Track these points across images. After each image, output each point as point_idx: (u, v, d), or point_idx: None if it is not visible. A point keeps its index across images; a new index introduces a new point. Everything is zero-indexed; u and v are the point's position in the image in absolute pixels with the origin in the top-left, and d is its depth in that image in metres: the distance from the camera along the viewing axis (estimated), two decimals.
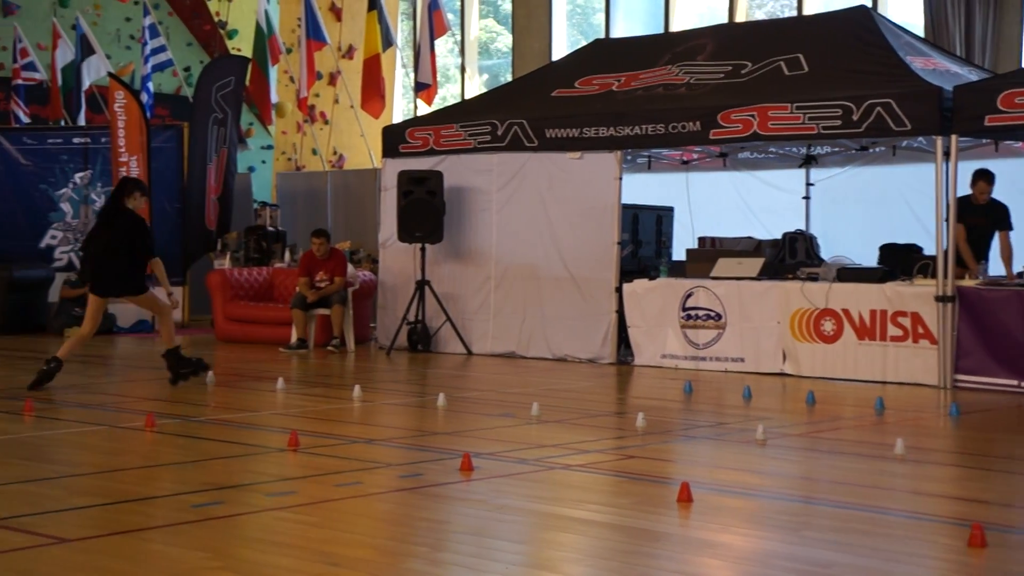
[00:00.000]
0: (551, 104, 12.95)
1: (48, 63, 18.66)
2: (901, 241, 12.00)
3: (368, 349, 13.75)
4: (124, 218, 9.94)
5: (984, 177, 11.11)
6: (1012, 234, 11.17)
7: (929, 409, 9.34)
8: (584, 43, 16.23)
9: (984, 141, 11.59)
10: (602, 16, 20.23)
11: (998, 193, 11.25)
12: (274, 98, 18.95)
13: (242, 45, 20.45)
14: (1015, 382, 9.94)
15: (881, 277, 10.86)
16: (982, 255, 11.13)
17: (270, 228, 16.60)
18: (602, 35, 19.43)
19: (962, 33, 15.32)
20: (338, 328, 13.33)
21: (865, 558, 4.75)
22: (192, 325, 16.31)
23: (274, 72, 18.95)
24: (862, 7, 12.92)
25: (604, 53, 13.88)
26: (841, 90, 10.87)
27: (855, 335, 10.73)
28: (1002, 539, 4.95)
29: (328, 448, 7.09)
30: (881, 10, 15.84)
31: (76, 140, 17.18)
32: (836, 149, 13.36)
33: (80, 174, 17.03)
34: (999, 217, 11.19)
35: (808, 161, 13.77)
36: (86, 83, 18.23)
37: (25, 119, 18.32)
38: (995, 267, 10.93)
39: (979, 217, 11.11)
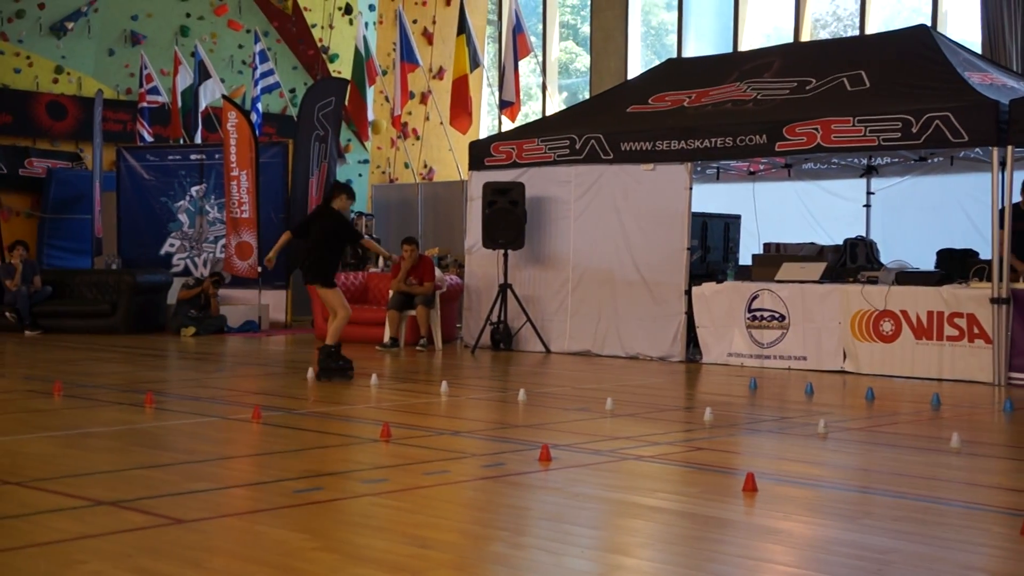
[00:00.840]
0: (626, 119, 12.90)
1: (169, 87, 19.08)
2: (958, 247, 11.73)
3: (455, 348, 13.82)
4: (328, 218, 10.27)
5: None
6: None
7: (984, 405, 9.12)
8: (657, 62, 16.14)
9: None
10: (674, 37, 20.09)
11: None
12: (370, 116, 19.14)
13: (342, 68, 20.71)
14: None
15: (938, 280, 10.64)
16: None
17: (366, 236, 16.76)
18: (674, 55, 19.30)
19: (1019, 49, 14.94)
20: (425, 328, 13.42)
21: (921, 545, 4.65)
22: (294, 325, 16.54)
23: (371, 92, 19.15)
24: (922, 26, 12.68)
25: (676, 71, 13.79)
26: (901, 104, 10.68)
27: (913, 335, 10.52)
28: None
29: (417, 439, 7.14)
30: (940, 28, 15.52)
31: (193, 157, 17.55)
32: (896, 160, 13.11)
33: (196, 187, 17.39)
34: None
35: (869, 171, 13.54)
36: (202, 105, 18.59)
37: (148, 138, 18.75)
38: None
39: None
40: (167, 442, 7.11)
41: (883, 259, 12.50)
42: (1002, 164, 10.16)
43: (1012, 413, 8.49)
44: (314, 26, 20.91)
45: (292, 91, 20.71)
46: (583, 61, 22.63)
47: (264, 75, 18.49)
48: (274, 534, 4.65)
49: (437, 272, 14.00)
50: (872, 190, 13.72)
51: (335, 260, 10.46)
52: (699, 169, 13.14)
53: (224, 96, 17.54)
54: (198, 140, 18.55)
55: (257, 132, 17.08)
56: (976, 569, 4.37)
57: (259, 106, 18.78)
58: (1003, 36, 15.05)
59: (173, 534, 4.63)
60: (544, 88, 22.02)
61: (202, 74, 18.47)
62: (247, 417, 7.78)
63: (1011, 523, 4.86)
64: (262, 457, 6.64)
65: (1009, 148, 10.08)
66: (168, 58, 19.39)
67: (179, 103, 18.92)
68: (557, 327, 13.09)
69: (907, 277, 10.87)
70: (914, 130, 10.46)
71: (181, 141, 18.91)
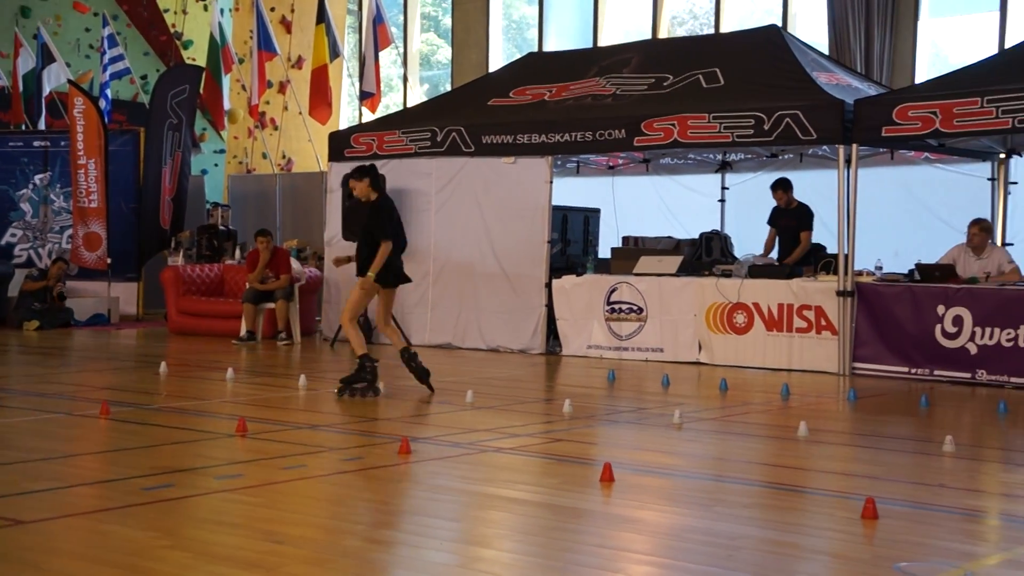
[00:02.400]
0: (487, 112, 12.93)
1: (10, 70, 18.26)
2: None
3: (313, 341, 13.65)
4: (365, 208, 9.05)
5: (781, 184, 11.86)
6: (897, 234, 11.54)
7: (830, 394, 9.49)
8: (519, 56, 16.23)
9: (881, 150, 11.79)
10: (535, 31, 20.24)
11: (896, 197, 11.48)
12: (226, 105, 18.73)
13: (196, 55, 20.17)
14: (906, 369, 10.13)
15: (788, 273, 11.01)
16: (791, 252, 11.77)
17: (222, 227, 16.40)
18: (535, 49, 19.45)
19: (862, 51, 15.57)
20: (283, 322, 13.22)
21: (770, 531, 4.81)
22: (146, 318, 16.08)
23: (227, 81, 18.73)
24: (773, 26, 13.10)
25: (537, 65, 13.90)
26: (754, 102, 10.99)
27: (764, 327, 10.86)
28: (892, 511, 5.04)
29: (274, 434, 7.03)
30: (790, 29, 16.03)
31: (36, 143, 16.86)
32: (749, 156, 13.50)
33: (40, 176, 16.71)
34: (802, 219, 11.84)
35: (723, 167, 13.91)
36: (46, 90, 17.88)
37: None
38: (890, 264, 11.12)
39: (788, 220, 11.85)
40: (7, 440, 6.81)
41: (737, 253, 12.86)
42: (847, 162, 10.57)
43: (855, 402, 8.86)
44: (166, 11, 20.30)
45: (144, 78, 20.07)
46: (444, 53, 22.61)
47: (113, 60, 17.87)
48: (122, 533, 4.51)
49: (295, 264, 13.80)
50: (726, 185, 14.10)
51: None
52: (559, 163, 13.28)
53: (70, 81, 16.91)
54: (42, 126, 17.83)
55: (106, 119, 16.52)
56: (821, 552, 4.54)
57: (108, 92, 18.13)
58: (848, 38, 15.65)
59: (11, 536, 4.45)
60: (405, 80, 21.91)
61: (46, 58, 17.75)
62: (95, 413, 7.52)
63: (853, 507, 5.06)
64: (110, 454, 6.44)
65: (854, 146, 10.49)
66: (8, 40, 18.53)
67: (20, 87, 18.13)
68: (418, 319, 13.06)
69: (759, 270, 11.22)
70: (766, 127, 10.80)
71: (23, 127, 18.13)
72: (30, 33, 18.38)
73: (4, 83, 18.17)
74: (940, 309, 9.97)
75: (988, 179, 12.29)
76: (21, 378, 10.06)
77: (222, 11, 19.30)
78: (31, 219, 16.64)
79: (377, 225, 8.87)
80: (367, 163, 9.39)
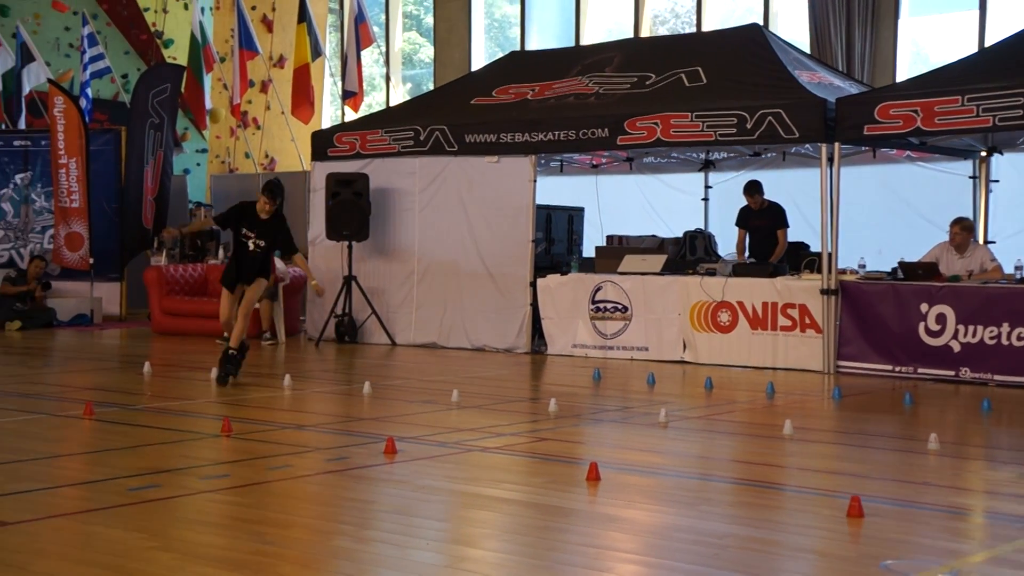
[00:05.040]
0: (470, 112, 12.93)
1: None
2: (790, 239, 12.20)
3: (298, 341, 13.62)
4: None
5: (756, 188, 11.98)
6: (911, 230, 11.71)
7: (814, 393, 9.53)
8: (501, 55, 16.24)
9: (863, 148, 11.85)
10: (518, 30, 20.25)
11: (879, 196, 11.54)
12: (208, 104, 18.65)
13: (177, 54, 20.09)
14: (890, 367, 10.18)
15: (772, 272, 11.05)
16: (770, 252, 11.80)
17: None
18: (518, 48, 19.46)
19: (843, 50, 15.63)
20: (268, 322, 13.19)
21: (756, 529, 4.83)
22: (129, 319, 16.01)
23: (208, 80, 18.65)
24: (754, 25, 13.14)
25: (519, 64, 13.90)
26: (736, 100, 11.03)
27: (748, 325, 10.90)
28: (877, 509, 5.07)
29: (260, 434, 7.02)
30: (771, 27, 16.08)
31: (16, 143, 16.76)
32: (732, 154, 13.54)
33: (21, 175, 16.61)
34: (777, 218, 11.93)
35: (707, 165, 13.95)
36: (26, 89, 17.78)
37: None
38: (873, 263, 11.18)
39: (761, 220, 11.93)
40: None
41: (720, 251, 12.91)
42: (830, 160, 10.62)
43: (840, 400, 8.90)
44: (147, 10, 20.21)
45: (124, 77, 19.98)
46: (427, 52, 22.58)
47: (93, 59, 17.78)
48: (108, 534, 4.50)
49: (279, 264, 13.75)
50: (710, 184, 14.14)
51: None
52: (543, 162, 13.29)
53: (50, 80, 16.81)
54: (22, 125, 17.72)
55: (87, 118, 16.44)
56: (807, 551, 4.56)
57: (88, 91, 18.05)
58: (829, 36, 15.72)
59: None
60: (387, 79, 21.88)
61: (25, 57, 17.65)
62: (79, 414, 7.49)
63: (839, 505, 5.09)
64: (95, 455, 6.42)
65: (836, 145, 10.53)
66: None
67: (0, 87, 18.03)
68: (403, 319, 13.05)
69: (743, 269, 11.25)
70: (749, 126, 10.83)
71: (3, 126, 18.03)
72: (9, 32, 18.27)
73: None
74: (924, 307, 10.02)
75: (970, 177, 12.35)
76: (4, 379, 10.00)
77: (203, 10, 19.23)
78: (12, 219, 16.55)
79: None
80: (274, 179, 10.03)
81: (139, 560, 4.13)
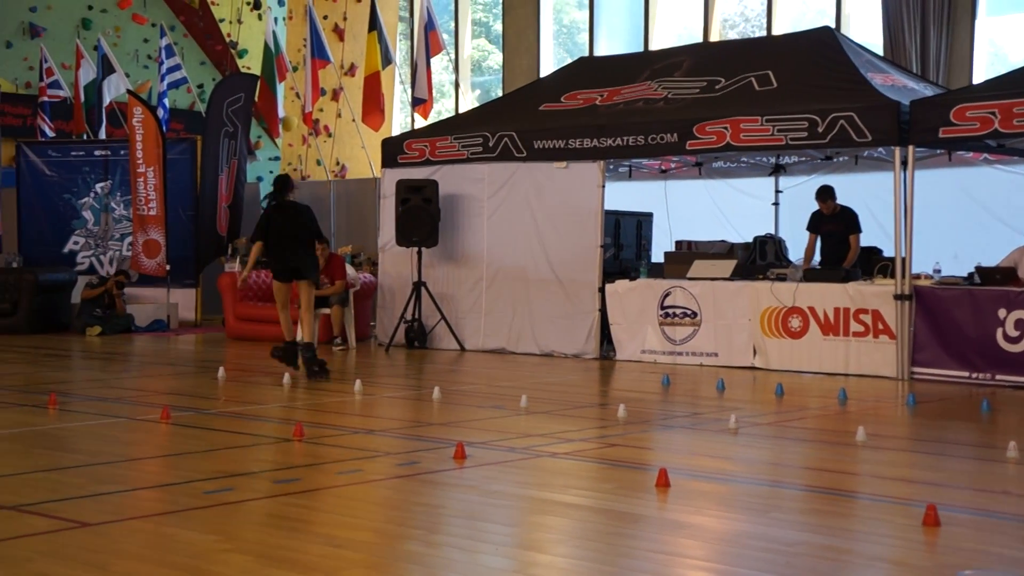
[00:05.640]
0: (539, 117, 12.94)
1: (71, 81, 18.61)
2: (863, 244, 12.03)
3: (368, 346, 13.73)
4: (297, 208, 10.20)
5: (828, 193, 11.72)
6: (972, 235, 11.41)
7: (888, 399, 9.36)
8: (570, 61, 16.23)
9: (938, 151, 11.63)
10: (586, 35, 20.23)
11: (955, 199, 11.31)
12: (281, 113, 18.92)
13: (251, 64, 20.42)
14: (966, 374, 9.97)
15: (844, 277, 10.89)
16: (842, 258, 11.56)
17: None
18: (586, 53, 19.43)
19: (918, 51, 15.36)
20: (338, 327, 13.31)
21: (828, 537, 4.76)
22: (204, 324, 16.28)
23: (281, 89, 18.92)
24: (826, 28, 12.96)
25: (588, 70, 13.88)
26: (807, 104, 10.89)
27: (820, 331, 10.75)
28: (954, 518, 4.96)
29: (331, 438, 7.08)
30: (843, 30, 15.88)
31: (97, 152, 17.15)
32: (803, 159, 13.38)
33: (101, 184, 17.00)
34: (849, 222, 11.69)
35: (777, 170, 13.79)
36: (107, 100, 18.18)
37: (50, 133, 18.27)
38: (948, 268, 10.96)
39: (833, 225, 11.70)
40: (71, 444, 6.94)
41: (791, 256, 12.75)
42: (903, 163, 10.44)
43: (915, 407, 8.74)
44: (222, 21, 20.58)
45: (200, 87, 20.36)
46: (496, 59, 22.66)
47: (171, 70, 18.15)
48: (183, 536, 4.57)
49: (350, 270, 13.89)
50: (780, 188, 13.98)
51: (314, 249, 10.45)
52: (611, 167, 13.25)
53: (129, 91, 17.17)
54: (102, 136, 18.13)
55: (164, 128, 16.76)
56: (881, 560, 4.48)
57: (166, 102, 18.43)
58: (903, 38, 15.46)
59: (77, 538, 4.53)
60: (457, 86, 22.00)
61: (105, 68, 18.06)
62: (155, 418, 7.63)
63: (914, 514, 4.99)
64: (171, 458, 6.52)
65: (910, 148, 10.35)
66: (70, 51, 18.89)
67: (82, 97, 18.47)
68: (471, 325, 13.09)
69: (814, 274, 11.11)
70: (820, 130, 10.69)
71: (85, 136, 18.46)
72: (91, 45, 18.72)
73: (67, 94, 18.52)
74: (1001, 313, 9.80)
75: None
76: (84, 383, 10.24)
77: (276, 20, 19.53)
78: (93, 227, 16.93)
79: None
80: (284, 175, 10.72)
81: (213, 562, 4.19)
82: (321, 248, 13.50)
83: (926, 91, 11.63)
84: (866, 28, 16.60)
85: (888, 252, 11.27)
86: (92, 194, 16.97)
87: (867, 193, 12.36)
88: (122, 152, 16.59)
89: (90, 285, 15.39)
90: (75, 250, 16.87)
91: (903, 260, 10.35)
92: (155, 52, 19.33)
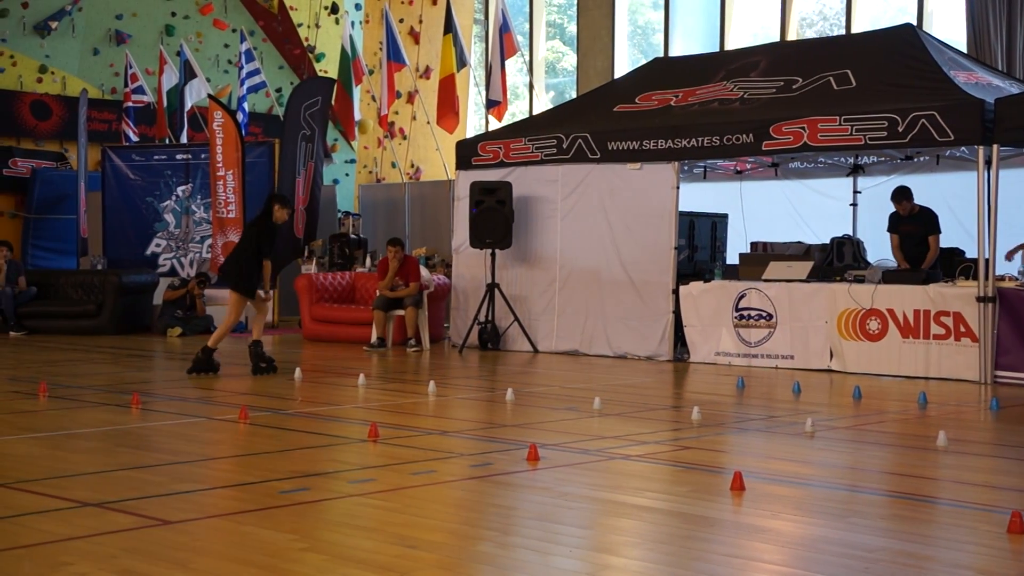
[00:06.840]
0: (613, 119, 12.90)
1: (155, 87, 19.01)
2: (944, 245, 11.79)
3: (442, 347, 13.80)
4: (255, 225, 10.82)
5: (904, 194, 11.47)
6: None
7: (970, 403, 9.15)
8: (644, 61, 16.15)
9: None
10: (661, 36, 20.12)
11: None
12: (357, 116, 19.10)
13: (328, 67, 20.67)
14: None
15: (924, 279, 10.67)
16: (921, 259, 11.33)
17: (352, 236, 16.74)
18: (661, 54, 19.32)
19: (1003, 48, 15.00)
20: (413, 328, 13.39)
21: (908, 543, 4.66)
22: (282, 325, 16.50)
23: (357, 92, 19.12)
24: (907, 25, 12.73)
25: (663, 70, 13.80)
26: (887, 103, 10.70)
27: (899, 334, 10.55)
28: None
29: (405, 439, 7.13)
30: (925, 27, 15.57)
31: (179, 156, 17.49)
32: (882, 158, 13.16)
33: (182, 187, 17.33)
34: (928, 223, 11.44)
35: (855, 170, 13.57)
36: (188, 104, 18.53)
37: (134, 138, 18.68)
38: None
39: (911, 226, 11.44)
40: (153, 443, 7.08)
41: (869, 258, 12.54)
42: (988, 163, 10.20)
43: (998, 411, 8.53)
44: (300, 25, 20.86)
45: (278, 90, 20.66)
46: (570, 60, 22.64)
47: (250, 74, 18.44)
48: (261, 535, 4.63)
49: (424, 272, 13.98)
50: (858, 189, 13.76)
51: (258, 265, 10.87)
52: (686, 168, 13.16)
53: (210, 95, 17.48)
54: (184, 140, 18.49)
55: (243, 132, 17.03)
56: (964, 567, 4.38)
57: (245, 105, 18.72)
58: (988, 35, 15.11)
59: (159, 535, 4.61)
60: (531, 87, 22.02)
61: (188, 73, 18.41)
62: (234, 417, 7.75)
63: (998, 521, 4.87)
64: (248, 458, 6.62)
65: (995, 147, 10.11)
66: (153, 57, 19.32)
67: (164, 103, 18.86)
68: (544, 326, 13.09)
69: (893, 276, 10.91)
70: (900, 129, 10.50)
71: (167, 141, 18.85)
72: (174, 50, 19.11)
73: (150, 99, 18.93)
74: None
75: None
76: (165, 383, 10.44)
77: (353, 24, 19.73)
78: (174, 229, 17.27)
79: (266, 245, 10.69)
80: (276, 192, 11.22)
81: (290, 560, 4.24)
82: (395, 250, 13.66)
83: (1012, 88, 11.36)
84: (949, 25, 16.26)
85: (971, 253, 11.03)
86: (174, 197, 17.31)
87: (949, 193, 12.12)
88: (203, 156, 16.90)
89: (172, 287, 15.69)
90: (157, 252, 17.22)
91: (986, 261, 10.12)
92: (235, 57, 19.66)
